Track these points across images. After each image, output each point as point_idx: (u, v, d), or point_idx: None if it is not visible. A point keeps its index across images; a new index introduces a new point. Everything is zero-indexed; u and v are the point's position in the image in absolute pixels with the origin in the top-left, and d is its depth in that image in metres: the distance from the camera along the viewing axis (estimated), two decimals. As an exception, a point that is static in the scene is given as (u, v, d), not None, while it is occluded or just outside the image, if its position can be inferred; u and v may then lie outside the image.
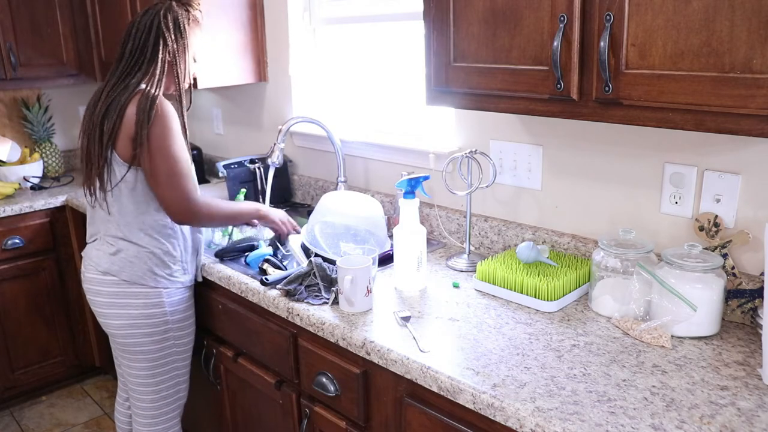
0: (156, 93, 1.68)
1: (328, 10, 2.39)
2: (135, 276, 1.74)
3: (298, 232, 1.93)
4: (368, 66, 2.32)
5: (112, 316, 1.77)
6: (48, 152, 3.17)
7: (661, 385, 1.17)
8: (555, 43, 1.25)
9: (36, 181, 3.00)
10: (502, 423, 1.13)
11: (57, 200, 2.83)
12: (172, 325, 1.81)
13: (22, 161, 3.06)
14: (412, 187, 1.63)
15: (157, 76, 1.71)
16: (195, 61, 1.84)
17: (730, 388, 1.15)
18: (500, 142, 1.84)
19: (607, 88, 1.21)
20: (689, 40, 1.09)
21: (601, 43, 1.18)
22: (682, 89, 1.11)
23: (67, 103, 3.39)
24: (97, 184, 1.71)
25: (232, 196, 2.39)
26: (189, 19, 1.78)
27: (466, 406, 1.19)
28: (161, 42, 1.72)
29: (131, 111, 1.65)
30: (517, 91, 1.36)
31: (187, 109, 1.83)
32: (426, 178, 1.68)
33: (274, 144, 2.14)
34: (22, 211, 2.73)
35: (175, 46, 1.73)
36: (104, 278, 1.75)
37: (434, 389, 1.25)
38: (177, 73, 1.75)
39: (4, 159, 2.95)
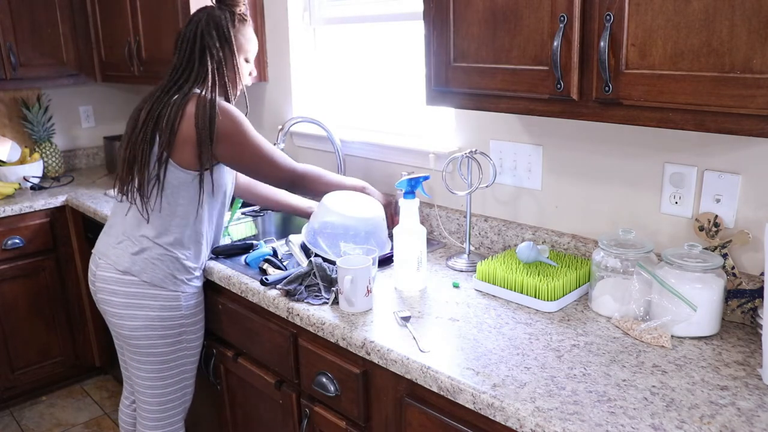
0: (213, 97, 1.67)
1: (328, 10, 2.39)
2: (156, 278, 1.73)
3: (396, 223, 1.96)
4: (368, 66, 2.32)
5: (128, 317, 1.75)
6: (48, 152, 3.17)
7: (661, 385, 1.17)
8: (555, 43, 1.25)
9: (36, 181, 3.00)
10: (502, 423, 1.13)
11: (57, 200, 2.83)
12: (187, 328, 1.81)
13: (22, 161, 3.06)
14: (412, 187, 1.63)
15: (209, 85, 1.70)
16: (248, 61, 1.83)
17: (730, 388, 1.15)
18: (500, 142, 1.84)
19: (607, 88, 1.21)
20: (689, 40, 1.09)
21: (601, 43, 1.18)
22: (682, 89, 1.11)
23: (67, 103, 3.39)
24: (136, 184, 1.70)
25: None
26: (234, 20, 1.76)
27: (466, 406, 1.19)
28: (207, 52, 1.71)
29: (190, 113, 1.65)
30: (517, 91, 1.36)
31: (246, 113, 1.82)
32: (426, 178, 1.68)
33: (274, 144, 2.14)
34: (22, 211, 2.73)
35: (221, 54, 1.72)
36: (123, 278, 1.73)
37: (434, 389, 1.25)
38: (225, 81, 1.75)
39: (4, 159, 2.95)
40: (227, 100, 1.78)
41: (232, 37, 1.75)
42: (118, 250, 1.74)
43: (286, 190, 1.87)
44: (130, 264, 1.72)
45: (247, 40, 1.81)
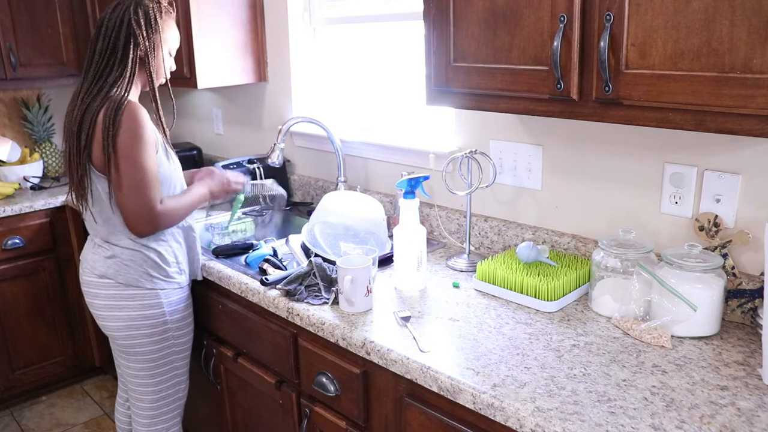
0: (124, 97, 1.62)
1: (328, 10, 2.39)
2: (131, 279, 1.73)
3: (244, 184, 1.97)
4: (368, 66, 2.32)
5: (111, 318, 1.76)
6: (48, 152, 3.17)
7: (661, 385, 1.17)
8: (555, 43, 1.25)
9: (36, 181, 3.00)
10: (502, 423, 1.13)
11: (57, 200, 2.82)
12: (171, 326, 1.81)
13: (22, 161, 3.06)
14: (412, 187, 1.63)
15: (127, 78, 1.65)
16: (171, 55, 1.78)
17: (730, 388, 1.15)
18: (500, 142, 1.84)
19: (607, 88, 1.21)
20: (689, 40, 1.09)
21: (601, 43, 1.18)
22: (682, 89, 1.11)
23: (67, 103, 3.38)
24: (81, 194, 1.70)
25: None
26: (161, 11, 1.70)
27: (466, 406, 1.19)
28: (132, 40, 1.64)
29: (101, 119, 1.60)
30: (517, 91, 1.36)
31: (173, 105, 1.81)
32: (426, 178, 1.68)
33: (274, 144, 2.14)
34: (22, 211, 2.73)
35: (146, 43, 1.66)
36: (101, 281, 1.74)
37: (434, 389, 1.25)
38: (149, 71, 1.69)
39: (4, 159, 2.95)
40: (152, 90, 1.72)
41: (160, 28, 1.69)
42: (95, 255, 1.75)
43: (133, 229, 1.66)
44: (105, 268, 1.73)
45: (172, 33, 1.76)
